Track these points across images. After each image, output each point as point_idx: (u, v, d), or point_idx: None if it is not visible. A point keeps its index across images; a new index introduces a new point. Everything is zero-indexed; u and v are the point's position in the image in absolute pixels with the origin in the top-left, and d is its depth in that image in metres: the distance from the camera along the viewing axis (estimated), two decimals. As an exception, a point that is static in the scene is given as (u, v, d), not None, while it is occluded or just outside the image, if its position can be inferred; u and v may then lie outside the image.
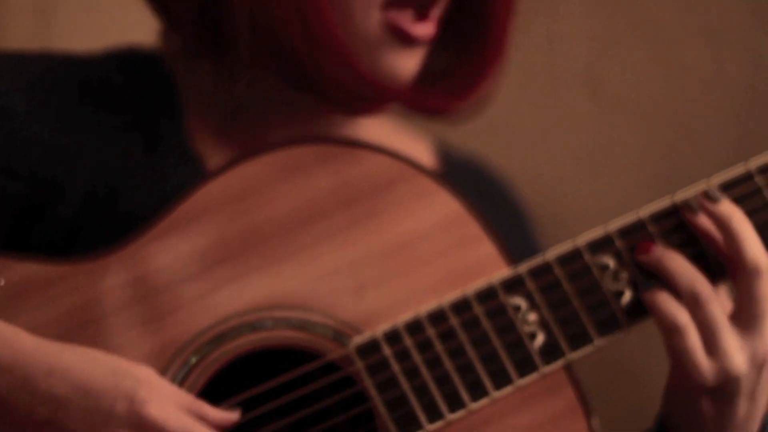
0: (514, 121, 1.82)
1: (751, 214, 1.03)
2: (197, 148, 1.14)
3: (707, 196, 1.03)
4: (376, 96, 1.10)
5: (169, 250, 1.01)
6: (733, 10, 1.75)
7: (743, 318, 1.00)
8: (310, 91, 1.10)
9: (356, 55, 1.09)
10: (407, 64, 1.11)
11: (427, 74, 1.17)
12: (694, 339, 1.00)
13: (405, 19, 1.10)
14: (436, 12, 1.12)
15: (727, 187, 1.04)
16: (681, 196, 1.04)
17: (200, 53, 1.15)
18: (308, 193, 1.02)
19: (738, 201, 1.04)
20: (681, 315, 1.00)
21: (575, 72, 1.80)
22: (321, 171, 1.02)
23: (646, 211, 1.04)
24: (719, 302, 1.01)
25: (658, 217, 1.04)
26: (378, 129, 1.25)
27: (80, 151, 1.09)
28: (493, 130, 1.82)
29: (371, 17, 1.09)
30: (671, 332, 1.00)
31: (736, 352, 1.00)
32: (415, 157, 1.03)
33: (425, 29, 1.11)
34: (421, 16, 1.11)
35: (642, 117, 1.78)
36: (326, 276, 1.01)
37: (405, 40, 1.10)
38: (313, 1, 1.06)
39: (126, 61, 1.16)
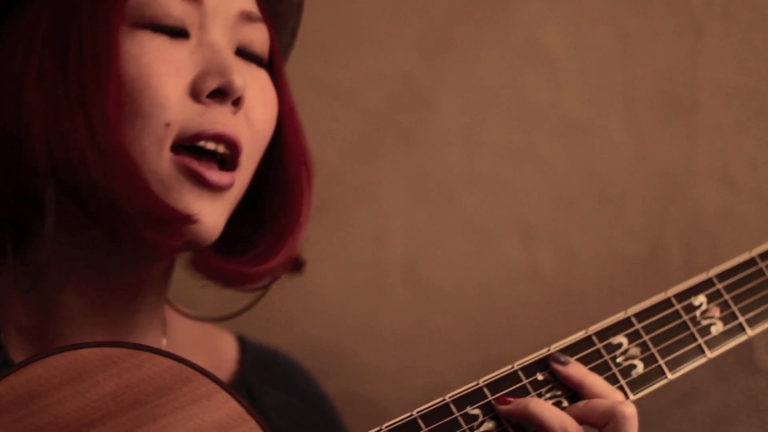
0: (338, 312, 1.85)
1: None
2: (12, 352, 1.15)
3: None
4: (172, 221, 1.05)
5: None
6: (544, 206, 1.81)
7: None
8: (111, 225, 1.07)
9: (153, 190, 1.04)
10: (208, 209, 1.08)
11: (227, 244, 1.16)
12: None
13: (197, 163, 1.08)
14: (232, 170, 1.09)
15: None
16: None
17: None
18: (92, 396, 1.04)
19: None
20: None
21: (396, 263, 1.83)
22: (105, 374, 1.04)
23: (451, 396, 1.14)
24: None
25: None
26: (186, 327, 1.28)
27: None
28: (316, 318, 1.85)
29: (163, 156, 1.06)
30: None
31: None
32: (194, 361, 1.06)
33: (220, 177, 1.08)
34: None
35: (459, 307, 1.82)
36: (109, 477, 1.03)
37: (200, 182, 1.07)
38: (104, 131, 1.03)
39: None
